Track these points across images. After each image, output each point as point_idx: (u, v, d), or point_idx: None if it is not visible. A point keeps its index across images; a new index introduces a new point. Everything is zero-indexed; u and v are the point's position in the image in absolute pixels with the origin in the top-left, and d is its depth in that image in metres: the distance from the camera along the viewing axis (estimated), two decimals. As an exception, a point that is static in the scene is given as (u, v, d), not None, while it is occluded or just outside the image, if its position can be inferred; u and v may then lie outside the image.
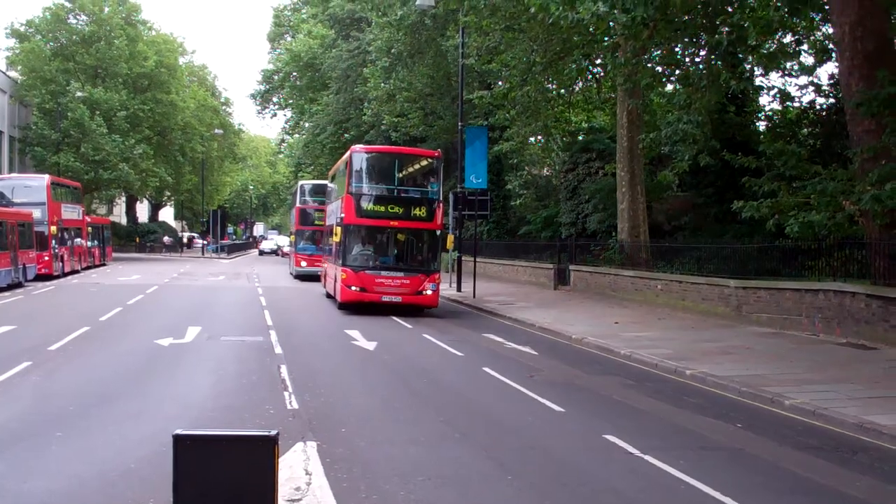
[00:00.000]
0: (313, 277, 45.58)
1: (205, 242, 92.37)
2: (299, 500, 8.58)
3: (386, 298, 28.25)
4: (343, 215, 28.85)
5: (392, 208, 28.51)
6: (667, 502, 9.14)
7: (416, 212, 28.54)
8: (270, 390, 14.68)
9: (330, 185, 38.87)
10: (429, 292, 28.58)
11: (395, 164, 29.72)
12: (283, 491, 8.37)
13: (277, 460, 5.86)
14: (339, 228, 29.12)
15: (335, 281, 30.66)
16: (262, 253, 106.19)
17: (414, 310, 28.87)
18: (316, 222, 48.78)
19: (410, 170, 30.52)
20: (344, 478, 9.41)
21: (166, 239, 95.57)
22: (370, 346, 20.76)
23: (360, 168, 29.21)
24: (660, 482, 9.81)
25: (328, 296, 34.91)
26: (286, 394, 14.31)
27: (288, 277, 51.97)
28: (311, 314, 29.48)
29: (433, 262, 29.03)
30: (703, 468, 10.26)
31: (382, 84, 51.16)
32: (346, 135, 63.13)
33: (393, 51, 48.54)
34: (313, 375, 16.46)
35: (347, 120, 62.55)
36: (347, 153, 30.04)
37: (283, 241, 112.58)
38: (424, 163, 30.51)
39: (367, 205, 28.68)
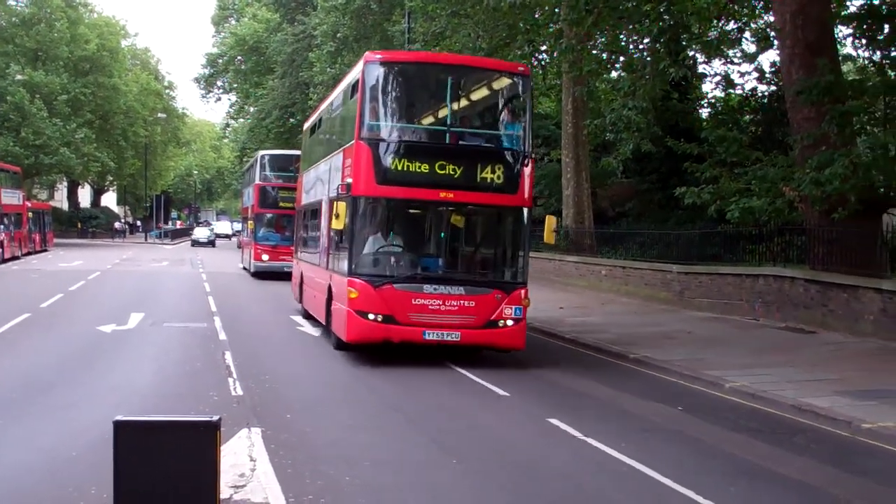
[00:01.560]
0: (277, 276, 35.52)
1: (124, 225, 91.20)
2: (244, 486, 8.56)
3: (433, 336, 15.97)
4: (350, 181, 16.49)
5: (443, 168, 16.32)
6: (610, 484, 9.26)
7: (488, 175, 16.47)
8: (215, 377, 14.60)
9: (311, 138, 25.50)
10: (510, 323, 16.25)
11: (447, 87, 16.91)
12: (228, 477, 8.33)
13: (219, 446, 5.86)
14: (342, 206, 16.81)
15: (329, 299, 18.39)
16: (195, 243, 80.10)
17: (478, 352, 17.37)
18: (281, 204, 37.40)
19: (477, 97, 18.67)
20: (289, 463, 9.39)
21: (118, 224, 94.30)
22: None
23: (384, 93, 17.03)
24: (604, 465, 9.94)
25: (306, 315, 23.18)
26: (230, 380, 14.23)
27: (241, 275, 41.01)
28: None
29: (517, 268, 16.94)
30: (644, 451, 10.40)
31: (328, 69, 50.79)
32: (291, 119, 62.79)
33: (339, 35, 48.25)
34: (258, 362, 16.40)
35: (293, 105, 62.13)
36: (359, 64, 17.42)
37: (225, 228, 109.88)
38: (502, 84, 18.00)
39: (396, 162, 16.31)
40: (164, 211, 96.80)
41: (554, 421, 11.89)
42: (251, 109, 74.32)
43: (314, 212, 22.47)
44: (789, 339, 19.38)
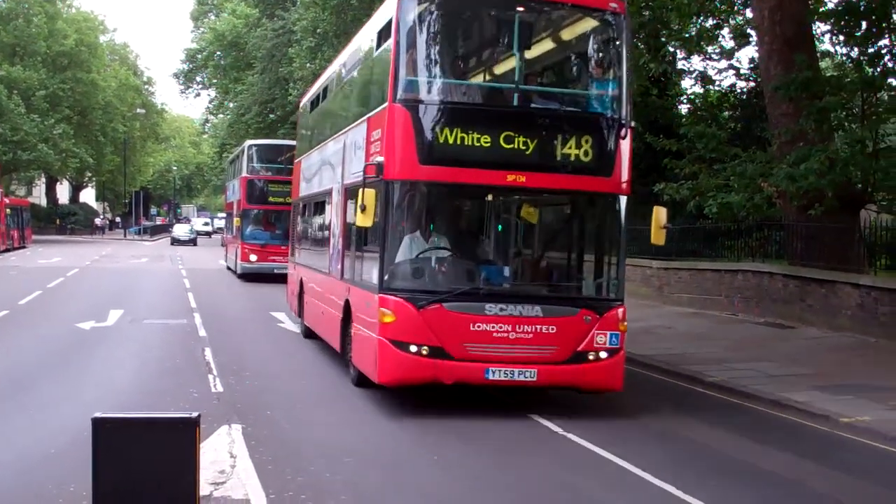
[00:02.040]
0: (266, 278, 32.78)
1: (104, 221, 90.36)
2: (224, 482, 8.53)
3: (499, 375, 11.80)
4: (381, 161, 12.21)
5: (510, 141, 12.12)
6: (591, 479, 9.29)
7: (572, 150, 12.32)
8: (195, 374, 14.54)
9: (314, 114, 20.59)
10: (603, 355, 12.11)
11: (514, 30, 12.61)
12: (208, 474, 8.33)
13: (199, 443, 5.84)
14: (368, 195, 11.98)
15: (346, 319, 14.29)
16: (175, 241, 74.74)
17: (562, 394, 13.07)
18: (271, 199, 34.56)
19: (556, 43, 14.25)
20: (269, 460, 9.37)
21: (98, 221, 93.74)
22: None
23: (428, 38, 12.49)
24: (585, 460, 9.97)
25: (308, 335, 18.75)
26: (211, 377, 14.17)
27: (222, 272, 40.06)
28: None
29: (611, 279, 12.86)
30: (624, 446, 10.44)
31: (308, 64, 50.65)
32: (271, 115, 62.54)
33: (318, 31, 48.10)
34: (239, 358, 16.33)
35: (273, 100, 61.89)
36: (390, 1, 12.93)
37: (203, 225, 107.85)
38: (589, 25, 13.32)
39: (445, 132, 12.04)
40: (143, 207, 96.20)
41: (535, 416, 11.93)
42: (230, 105, 73.96)
43: (319, 205, 18.43)
44: (768, 333, 19.48)
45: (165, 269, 41.07)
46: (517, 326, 11.65)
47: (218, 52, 74.83)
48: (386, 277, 11.91)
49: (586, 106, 13.18)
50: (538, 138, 12.11)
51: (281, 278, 26.15)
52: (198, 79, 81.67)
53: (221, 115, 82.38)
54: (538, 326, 11.73)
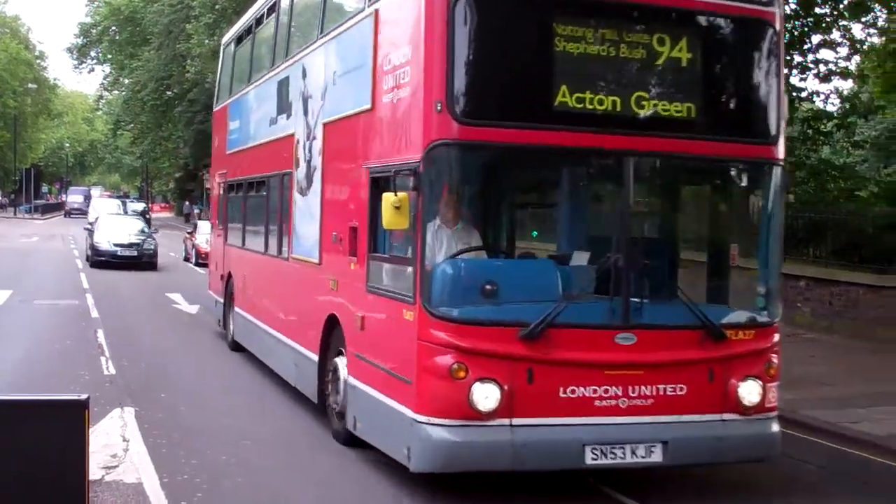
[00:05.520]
0: None
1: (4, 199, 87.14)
2: (116, 466, 8.33)
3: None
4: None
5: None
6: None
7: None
8: (86, 356, 14.17)
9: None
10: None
11: None
12: (99, 458, 8.16)
13: (88, 426, 5.69)
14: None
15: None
16: (69, 213, 75.49)
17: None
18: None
19: None
20: (163, 443, 9.19)
21: None
22: None
23: None
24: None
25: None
26: (103, 359, 13.85)
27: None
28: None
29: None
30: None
31: (206, 41, 49.89)
32: (168, 92, 61.54)
33: (217, 6, 47.42)
34: (132, 340, 15.99)
35: (169, 77, 60.84)
36: None
37: (109, 208, 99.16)
38: None
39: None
40: (34, 185, 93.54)
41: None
42: (126, 81, 72.49)
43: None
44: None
45: (57, 249, 40.00)
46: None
47: (113, 27, 73.28)
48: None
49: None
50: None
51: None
52: (92, 54, 79.77)
53: (116, 92, 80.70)
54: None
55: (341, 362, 9.25)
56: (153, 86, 62.74)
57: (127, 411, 10.36)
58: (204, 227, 30.20)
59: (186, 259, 34.40)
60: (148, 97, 63.42)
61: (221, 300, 16.01)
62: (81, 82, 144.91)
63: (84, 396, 5.72)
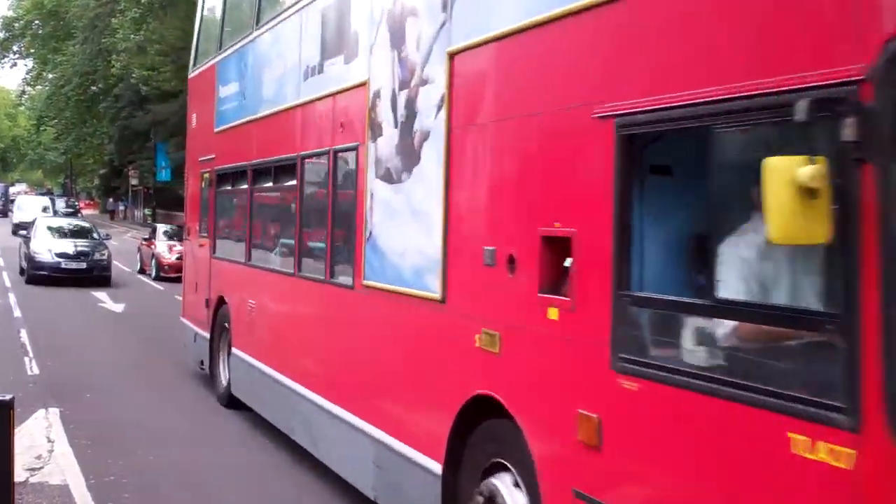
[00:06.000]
0: None
1: None
2: (41, 468, 8.25)
3: None
4: None
5: None
6: None
7: None
8: (9, 356, 13.95)
9: None
10: None
11: None
12: (24, 460, 8.05)
13: (13, 427, 5.63)
14: None
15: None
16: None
17: None
18: None
19: None
20: (89, 444, 9.10)
21: None
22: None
23: None
24: None
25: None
26: (26, 359, 13.68)
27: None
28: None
29: None
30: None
31: (132, 36, 49.30)
32: (93, 87, 60.66)
33: (143, 1, 46.88)
34: (57, 339, 15.77)
35: (95, 72, 59.96)
36: None
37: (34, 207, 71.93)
38: None
39: None
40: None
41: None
42: (49, 76, 71.37)
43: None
44: None
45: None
46: None
47: (36, 21, 72.09)
48: None
49: None
50: None
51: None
52: (15, 48, 78.34)
53: (39, 87, 79.43)
54: None
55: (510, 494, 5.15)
56: (77, 81, 61.85)
57: (52, 412, 10.23)
58: (161, 230, 28.08)
59: (142, 271, 28.91)
60: (72, 92, 62.49)
61: (206, 334, 11.96)
62: (3, 77, 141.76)
63: (8, 397, 5.63)
